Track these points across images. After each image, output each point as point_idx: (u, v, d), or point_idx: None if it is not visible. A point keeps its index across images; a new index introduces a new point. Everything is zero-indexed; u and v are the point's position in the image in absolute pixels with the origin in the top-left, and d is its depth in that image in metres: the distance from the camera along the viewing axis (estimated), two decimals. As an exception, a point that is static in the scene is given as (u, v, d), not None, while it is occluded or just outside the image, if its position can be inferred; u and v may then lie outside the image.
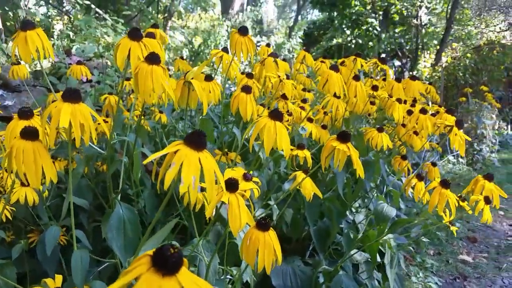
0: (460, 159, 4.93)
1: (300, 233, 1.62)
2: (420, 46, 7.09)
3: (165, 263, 0.33)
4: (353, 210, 1.84)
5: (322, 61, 1.75)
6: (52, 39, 3.90)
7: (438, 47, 6.75)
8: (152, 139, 1.63)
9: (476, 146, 5.12)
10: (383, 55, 7.01)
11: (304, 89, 1.77)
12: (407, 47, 7.28)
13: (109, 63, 3.67)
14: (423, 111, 1.30)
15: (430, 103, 3.57)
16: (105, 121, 1.37)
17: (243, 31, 0.96)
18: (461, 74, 5.92)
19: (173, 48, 4.78)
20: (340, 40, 8.72)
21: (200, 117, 1.25)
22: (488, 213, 0.94)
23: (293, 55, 8.95)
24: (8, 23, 4.26)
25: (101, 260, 1.00)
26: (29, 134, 0.62)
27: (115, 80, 3.25)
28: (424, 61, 6.77)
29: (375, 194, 1.69)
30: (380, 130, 1.25)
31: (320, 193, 1.00)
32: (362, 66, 1.39)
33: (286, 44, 6.22)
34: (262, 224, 0.61)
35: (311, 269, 1.46)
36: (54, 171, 0.64)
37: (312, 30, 11.75)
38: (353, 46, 7.96)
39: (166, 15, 5.92)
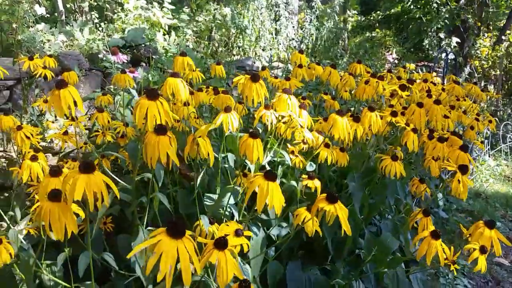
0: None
1: (321, 241, 1.71)
2: (483, 22, 6.60)
3: None
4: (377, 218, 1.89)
5: (350, 73, 1.76)
6: (105, 22, 4.11)
7: (503, 23, 6.27)
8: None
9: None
10: (441, 34, 6.61)
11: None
12: (470, 22, 6.80)
13: (158, 47, 3.83)
14: (441, 139, 1.30)
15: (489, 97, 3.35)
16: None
17: (254, 78, 1.03)
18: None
19: (219, 25, 4.82)
20: (399, 9, 8.34)
21: (225, 135, 1.36)
22: (483, 263, 0.96)
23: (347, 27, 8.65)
24: (68, 5, 4.51)
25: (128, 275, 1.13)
26: (55, 197, 0.75)
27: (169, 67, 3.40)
28: (483, 40, 6.31)
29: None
30: (394, 158, 1.28)
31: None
32: (384, 89, 1.40)
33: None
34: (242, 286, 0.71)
35: (326, 279, 1.56)
36: (75, 225, 0.78)
37: (371, -3, 11.27)
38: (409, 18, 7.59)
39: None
